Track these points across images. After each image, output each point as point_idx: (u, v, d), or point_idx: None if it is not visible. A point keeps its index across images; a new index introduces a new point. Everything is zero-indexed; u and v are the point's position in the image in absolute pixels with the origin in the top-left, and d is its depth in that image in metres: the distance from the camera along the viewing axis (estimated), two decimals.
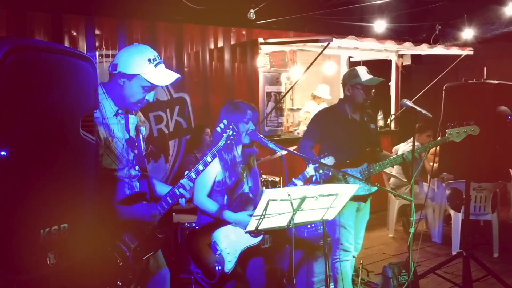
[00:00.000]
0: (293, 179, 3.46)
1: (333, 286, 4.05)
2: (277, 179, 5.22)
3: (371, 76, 3.88)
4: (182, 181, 2.67)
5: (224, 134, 2.82)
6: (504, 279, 4.52)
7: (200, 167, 2.72)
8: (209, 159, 2.77)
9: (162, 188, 2.81)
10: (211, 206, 3.22)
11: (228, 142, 2.82)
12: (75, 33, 5.10)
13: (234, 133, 2.83)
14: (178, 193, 2.65)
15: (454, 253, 5.62)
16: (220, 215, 3.19)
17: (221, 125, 2.85)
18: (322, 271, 4.48)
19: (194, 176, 2.71)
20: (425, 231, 6.50)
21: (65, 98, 1.79)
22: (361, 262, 4.84)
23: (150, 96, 2.57)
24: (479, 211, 5.71)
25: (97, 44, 5.24)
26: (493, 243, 5.74)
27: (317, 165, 3.47)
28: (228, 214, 3.18)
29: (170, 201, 2.65)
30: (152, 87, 2.54)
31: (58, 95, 1.75)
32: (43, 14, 4.92)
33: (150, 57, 2.51)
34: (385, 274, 4.37)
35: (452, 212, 5.93)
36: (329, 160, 3.55)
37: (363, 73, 3.87)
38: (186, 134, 5.99)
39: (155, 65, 2.52)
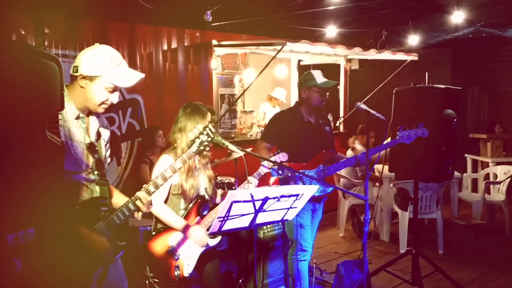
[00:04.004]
0: (248, 177, 3.47)
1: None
2: (233, 180, 5.24)
3: (326, 79, 3.99)
4: (138, 193, 2.57)
5: (197, 140, 2.77)
6: (449, 275, 4.75)
7: (169, 173, 2.65)
8: (178, 165, 2.73)
9: (117, 198, 2.71)
10: (175, 221, 3.20)
11: (202, 148, 2.77)
12: (23, 32, 4.91)
13: (209, 139, 2.78)
14: (133, 208, 2.54)
15: (402, 251, 5.85)
16: (184, 232, 3.20)
17: (195, 130, 2.81)
18: (278, 271, 4.55)
19: (153, 190, 2.61)
20: (374, 230, 6.71)
21: (31, 98, 1.74)
22: (314, 261, 4.95)
23: (114, 97, 2.51)
24: (424, 210, 5.96)
25: (46, 43, 5.06)
26: (438, 240, 6.01)
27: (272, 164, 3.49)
28: (192, 232, 3.20)
29: (127, 214, 2.54)
30: (115, 88, 2.49)
31: (23, 95, 1.70)
32: None
33: (112, 57, 2.46)
34: (338, 273, 4.48)
35: (399, 211, 6.15)
36: (282, 156, 3.59)
37: (319, 76, 3.98)
38: (139, 136, 5.90)
39: (117, 66, 2.47)
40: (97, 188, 2.55)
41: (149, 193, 2.60)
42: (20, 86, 1.69)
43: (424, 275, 4.67)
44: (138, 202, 2.54)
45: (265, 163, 3.50)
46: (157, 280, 3.98)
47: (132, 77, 2.51)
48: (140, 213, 2.59)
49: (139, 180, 5.09)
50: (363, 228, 3.58)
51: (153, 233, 3.27)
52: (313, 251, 4.26)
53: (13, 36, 4.84)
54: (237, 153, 3.29)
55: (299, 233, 3.94)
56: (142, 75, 2.55)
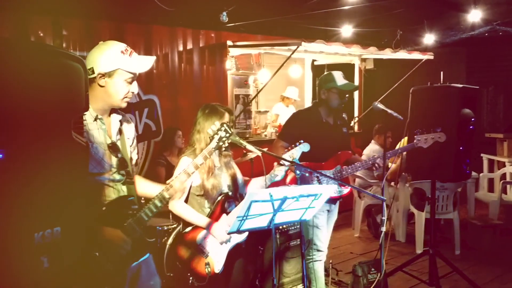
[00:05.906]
0: (276, 168, 3.43)
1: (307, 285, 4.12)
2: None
3: (347, 81, 3.98)
4: (172, 182, 2.63)
5: (216, 136, 2.80)
6: (467, 275, 4.72)
7: (191, 169, 2.70)
8: (200, 160, 2.76)
9: (146, 187, 2.77)
10: (198, 219, 3.24)
11: (221, 143, 2.80)
12: (41, 34, 4.97)
13: (227, 134, 2.81)
14: (159, 204, 2.58)
15: (418, 251, 5.81)
16: (208, 229, 3.22)
17: (213, 127, 2.85)
18: (293, 271, 4.55)
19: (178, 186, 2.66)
20: (389, 230, 6.67)
21: (57, 99, 1.77)
22: (330, 261, 4.94)
23: (134, 88, 2.56)
24: (441, 210, 5.92)
25: (64, 45, 5.13)
26: (455, 240, 5.97)
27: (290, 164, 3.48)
28: (214, 228, 3.22)
29: (154, 210, 2.57)
30: (133, 78, 2.54)
31: (50, 96, 1.73)
32: (8, 14, 4.77)
33: (122, 48, 2.51)
34: (355, 273, 4.49)
35: (415, 211, 6.12)
36: (304, 147, 3.58)
37: (339, 78, 3.96)
38: (155, 136, 5.94)
39: (129, 55, 2.52)
40: (124, 187, 2.59)
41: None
42: (47, 87, 1.72)
43: (441, 276, 4.64)
44: (171, 191, 2.59)
45: (286, 156, 3.47)
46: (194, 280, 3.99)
47: (146, 61, 2.57)
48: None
49: (155, 181, 5.11)
50: (378, 229, 3.57)
51: (185, 231, 3.30)
52: (328, 252, 4.27)
53: (32, 38, 4.91)
54: (254, 152, 3.30)
55: (315, 233, 3.94)
56: (154, 57, 2.63)
